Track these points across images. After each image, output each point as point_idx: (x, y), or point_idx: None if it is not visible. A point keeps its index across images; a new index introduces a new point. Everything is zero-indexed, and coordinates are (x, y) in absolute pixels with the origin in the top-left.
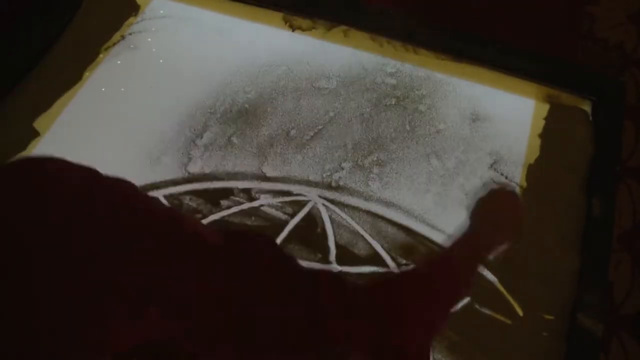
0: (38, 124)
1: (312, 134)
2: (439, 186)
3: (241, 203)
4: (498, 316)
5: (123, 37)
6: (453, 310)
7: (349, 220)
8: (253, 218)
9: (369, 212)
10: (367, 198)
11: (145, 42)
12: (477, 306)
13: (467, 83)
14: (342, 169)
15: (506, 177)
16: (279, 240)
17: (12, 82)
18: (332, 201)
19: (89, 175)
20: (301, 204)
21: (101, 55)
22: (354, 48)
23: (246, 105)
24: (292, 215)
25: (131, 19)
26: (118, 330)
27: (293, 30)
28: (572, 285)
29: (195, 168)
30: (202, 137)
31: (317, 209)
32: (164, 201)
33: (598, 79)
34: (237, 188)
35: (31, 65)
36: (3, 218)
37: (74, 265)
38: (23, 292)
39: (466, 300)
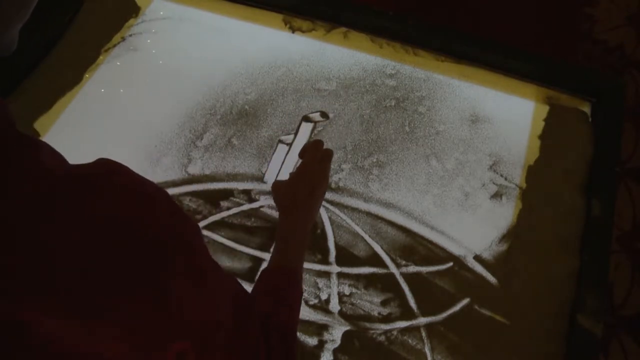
0: (38, 125)
1: (312, 136)
2: (439, 187)
3: (241, 204)
4: (497, 317)
5: (123, 39)
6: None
7: (349, 221)
8: (253, 219)
9: (368, 213)
10: (367, 199)
11: (145, 44)
12: (476, 307)
13: (466, 84)
14: (342, 170)
15: (506, 179)
16: None
17: (12, 83)
18: (331, 202)
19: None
20: None
21: (101, 57)
22: (353, 49)
23: (246, 107)
24: None
25: (131, 21)
26: None
27: (293, 32)
28: (572, 286)
29: (195, 169)
30: (202, 139)
31: None
32: None
33: (598, 80)
34: (237, 189)
35: (31, 67)
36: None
37: None
38: None
39: (466, 301)
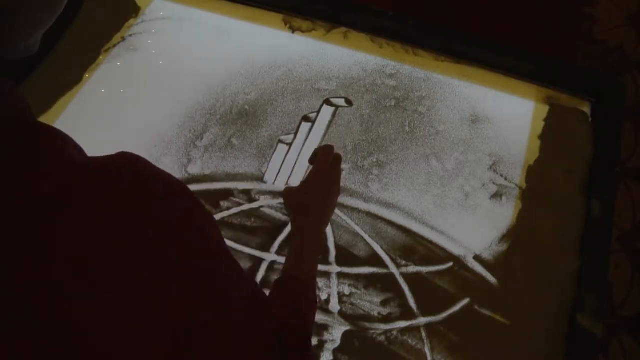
0: None
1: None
2: (439, 187)
3: (241, 204)
4: (497, 317)
5: (123, 39)
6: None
7: (349, 221)
8: (253, 219)
9: (368, 213)
10: (367, 199)
11: (145, 44)
12: (476, 307)
13: (466, 84)
14: (342, 170)
15: (506, 179)
16: (278, 242)
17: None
18: None
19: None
20: None
21: (101, 57)
22: (353, 49)
23: (246, 107)
24: None
25: (131, 21)
26: None
27: (293, 32)
28: (572, 286)
29: (195, 169)
30: (202, 139)
31: None
32: None
33: (597, 80)
34: (237, 189)
35: (31, 67)
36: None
37: None
38: None
39: (466, 301)
